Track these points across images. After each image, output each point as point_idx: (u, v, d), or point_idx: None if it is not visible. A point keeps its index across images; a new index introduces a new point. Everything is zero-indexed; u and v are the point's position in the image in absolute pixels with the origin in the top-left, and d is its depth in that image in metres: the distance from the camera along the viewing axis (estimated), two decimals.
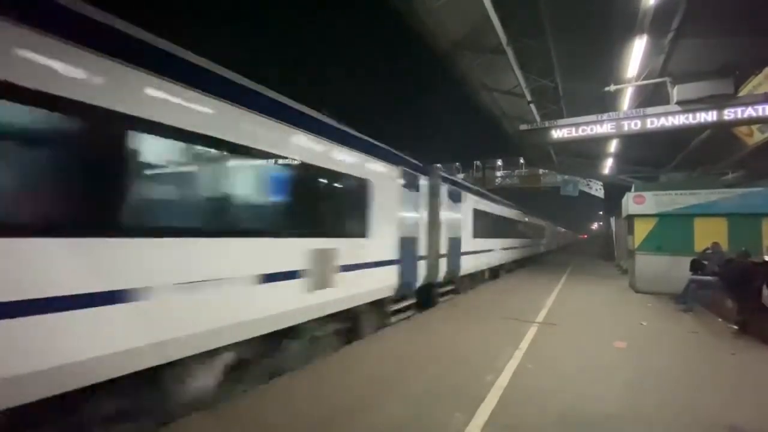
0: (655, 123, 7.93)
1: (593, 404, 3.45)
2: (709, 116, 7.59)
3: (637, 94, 9.19)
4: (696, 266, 8.24)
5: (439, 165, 13.06)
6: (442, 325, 6.37)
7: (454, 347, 5.16)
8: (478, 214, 10.91)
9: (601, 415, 3.24)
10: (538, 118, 11.87)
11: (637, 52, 7.04)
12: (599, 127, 8.48)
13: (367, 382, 3.88)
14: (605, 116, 8.59)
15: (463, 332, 5.91)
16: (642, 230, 10.55)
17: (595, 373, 4.24)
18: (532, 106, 11.50)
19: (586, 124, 8.66)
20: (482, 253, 11.32)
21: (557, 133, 8.90)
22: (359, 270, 5.32)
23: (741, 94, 7.99)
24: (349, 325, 5.49)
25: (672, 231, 10.06)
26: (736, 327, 6.12)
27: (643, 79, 8.17)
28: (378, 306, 6.08)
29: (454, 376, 4.10)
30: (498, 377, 4.02)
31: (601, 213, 34.45)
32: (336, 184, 5.07)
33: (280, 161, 4.13)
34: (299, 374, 4.07)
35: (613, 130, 8.42)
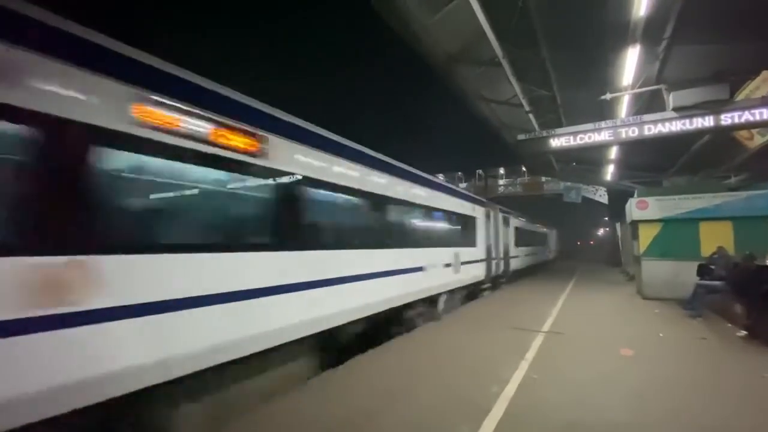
0: (652, 130, 8.00)
1: (600, 414, 3.43)
2: (706, 122, 7.65)
3: (635, 100, 9.28)
4: (703, 271, 8.18)
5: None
6: (447, 336, 6.35)
7: (460, 358, 5.15)
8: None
9: (608, 425, 3.22)
10: (536, 128, 11.96)
11: (630, 61, 7.14)
12: (597, 135, 8.57)
13: (372, 394, 3.88)
14: (603, 124, 8.68)
15: (469, 343, 5.89)
16: (647, 236, 10.50)
17: (602, 382, 4.21)
18: (530, 115, 11.60)
19: (584, 132, 8.75)
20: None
21: (555, 142, 8.98)
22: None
23: (738, 98, 8.05)
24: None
25: (677, 236, 10.01)
26: (745, 332, 6.05)
27: (639, 87, 8.26)
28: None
29: (460, 387, 4.09)
30: (504, 388, 4.01)
31: (606, 219, 34.28)
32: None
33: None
34: (309, 385, 4.08)
35: (611, 138, 8.50)
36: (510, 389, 3.99)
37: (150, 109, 2.94)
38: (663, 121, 8.02)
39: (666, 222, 10.21)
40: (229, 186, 3.73)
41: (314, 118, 4.87)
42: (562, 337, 6.25)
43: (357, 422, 3.31)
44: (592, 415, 3.41)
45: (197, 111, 3.28)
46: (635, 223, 10.93)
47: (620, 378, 4.36)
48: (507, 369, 4.61)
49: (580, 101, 10.53)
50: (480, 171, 40.10)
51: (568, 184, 27.70)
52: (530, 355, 5.21)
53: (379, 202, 6.04)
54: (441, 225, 8.64)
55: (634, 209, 10.71)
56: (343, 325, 4.98)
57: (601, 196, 30.77)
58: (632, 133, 8.26)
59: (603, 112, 9.88)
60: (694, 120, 7.76)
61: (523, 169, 34.98)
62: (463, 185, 38.38)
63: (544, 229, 25.46)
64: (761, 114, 7.33)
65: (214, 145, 3.40)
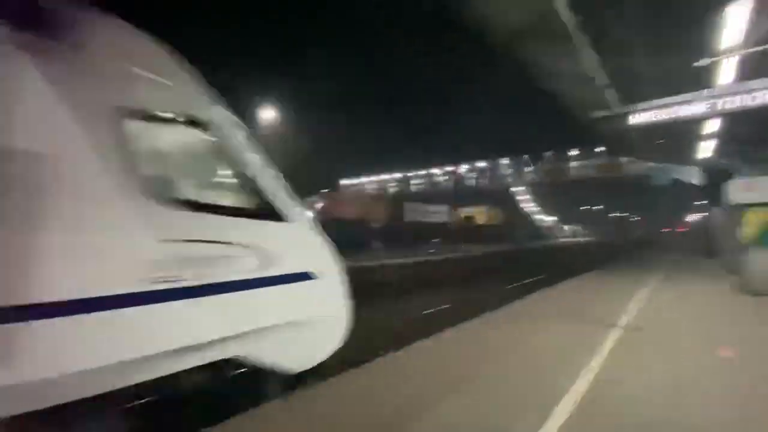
0: (758, 99, 6.82)
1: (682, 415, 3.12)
2: None
3: (739, 66, 7.96)
4: None
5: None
6: (515, 327, 6.18)
7: (527, 350, 5.00)
8: None
9: (689, 426, 2.94)
10: (615, 103, 10.86)
11: (737, 16, 6.12)
12: (689, 107, 7.53)
13: (437, 376, 3.94)
14: (699, 94, 7.61)
15: (538, 335, 5.69)
16: (755, 222, 9.15)
17: (690, 384, 3.81)
18: (607, 90, 10.55)
19: (672, 105, 7.74)
20: None
21: (638, 117, 8.09)
22: None
23: None
24: None
25: None
26: None
27: (747, 48, 7.05)
28: None
29: (528, 380, 4.00)
30: (575, 383, 3.82)
31: (697, 203, 30.27)
32: None
33: None
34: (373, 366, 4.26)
35: (708, 110, 7.41)
36: (581, 385, 3.79)
37: None
38: None
39: None
40: None
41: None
42: (643, 333, 5.74)
43: (422, 407, 3.38)
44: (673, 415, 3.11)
45: None
46: (740, 207, 9.56)
47: (718, 381, 3.91)
48: (579, 363, 4.36)
49: (670, 70, 9.34)
50: (549, 152, 37.76)
51: (653, 164, 24.91)
52: (605, 351, 4.87)
53: None
54: None
55: (738, 191, 9.36)
56: None
57: (694, 177, 27.15)
58: (735, 102, 7.14)
59: (699, 81, 8.64)
60: None
61: (596, 150, 32.23)
62: (529, 169, 36.51)
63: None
64: None
65: None
